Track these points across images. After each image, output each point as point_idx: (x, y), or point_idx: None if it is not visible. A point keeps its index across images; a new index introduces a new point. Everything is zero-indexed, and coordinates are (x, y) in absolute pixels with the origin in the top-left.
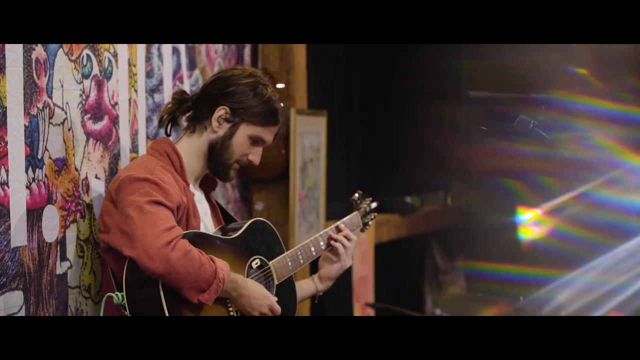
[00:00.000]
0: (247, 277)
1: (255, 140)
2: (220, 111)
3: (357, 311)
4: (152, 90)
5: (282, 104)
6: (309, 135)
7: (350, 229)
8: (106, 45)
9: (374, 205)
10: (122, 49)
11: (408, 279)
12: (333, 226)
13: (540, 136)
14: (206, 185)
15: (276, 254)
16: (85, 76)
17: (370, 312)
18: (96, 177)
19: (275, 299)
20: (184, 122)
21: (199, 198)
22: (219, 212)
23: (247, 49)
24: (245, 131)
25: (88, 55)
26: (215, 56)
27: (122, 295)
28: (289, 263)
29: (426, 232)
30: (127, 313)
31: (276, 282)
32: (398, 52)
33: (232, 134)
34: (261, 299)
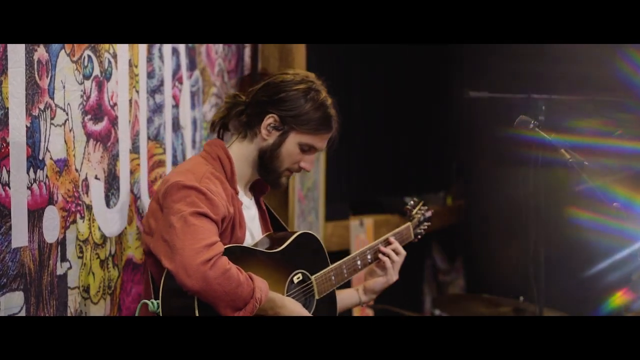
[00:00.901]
0: (287, 292)
1: (306, 149)
2: (269, 119)
3: (356, 312)
4: (153, 91)
5: (335, 110)
6: None
7: (400, 241)
8: (106, 46)
9: (428, 214)
10: (122, 49)
11: (407, 280)
12: (383, 238)
13: (540, 137)
14: (257, 189)
15: (320, 268)
16: (87, 77)
17: (370, 313)
18: (96, 177)
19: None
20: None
21: (248, 204)
22: (267, 217)
23: (247, 50)
24: (294, 139)
25: (89, 56)
26: (215, 56)
27: (158, 304)
28: (332, 277)
29: (426, 232)
30: None
31: (317, 297)
32: (399, 52)
33: (282, 143)
34: (297, 315)
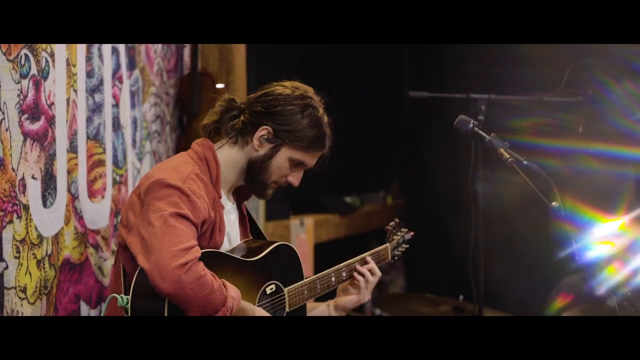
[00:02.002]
0: (259, 302)
1: (296, 164)
2: (263, 131)
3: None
4: (93, 90)
5: (330, 129)
6: None
7: (377, 261)
8: (44, 45)
9: (408, 236)
10: (59, 49)
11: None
12: (359, 258)
13: (479, 136)
14: (240, 194)
15: (294, 280)
16: (24, 76)
17: None
18: (33, 177)
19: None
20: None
21: (230, 208)
22: (247, 223)
23: (187, 49)
24: (286, 154)
25: (26, 55)
26: (154, 56)
27: (127, 299)
28: (305, 292)
29: (365, 231)
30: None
31: (287, 310)
32: (338, 52)
33: (273, 156)
34: None
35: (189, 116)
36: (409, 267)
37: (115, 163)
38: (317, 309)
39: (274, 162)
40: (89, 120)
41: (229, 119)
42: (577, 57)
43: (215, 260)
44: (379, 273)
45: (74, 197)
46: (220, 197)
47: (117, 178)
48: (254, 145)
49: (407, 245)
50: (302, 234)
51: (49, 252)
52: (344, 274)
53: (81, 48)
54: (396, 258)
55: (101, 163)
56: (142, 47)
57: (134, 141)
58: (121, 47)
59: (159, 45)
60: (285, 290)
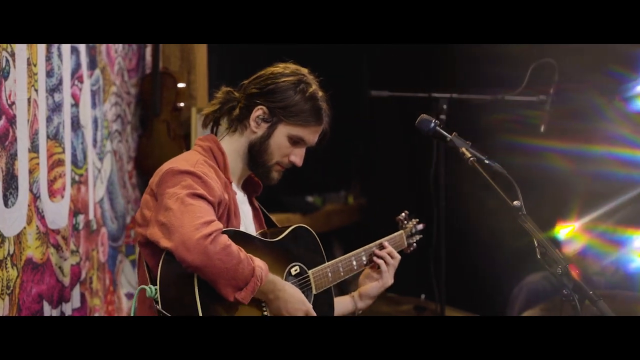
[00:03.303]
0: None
1: (295, 141)
2: (258, 111)
3: None
4: (52, 90)
5: (326, 103)
6: None
7: (394, 247)
8: (4, 45)
9: (420, 227)
10: (20, 48)
11: None
12: (377, 242)
13: (441, 136)
14: (250, 189)
15: (317, 263)
16: None
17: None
18: None
19: (311, 306)
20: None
21: (242, 199)
22: (262, 217)
23: (149, 49)
24: (283, 131)
25: None
26: (115, 55)
27: (156, 289)
28: (329, 274)
29: (327, 230)
30: (159, 307)
31: (314, 292)
32: (299, 51)
33: (271, 135)
34: (298, 303)
35: (150, 115)
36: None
37: (75, 163)
38: (342, 301)
39: (273, 142)
40: (49, 119)
41: (228, 110)
42: (540, 56)
43: (237, 238)
44: (398, 256)
45: (35, 197)
46: (231, 183)
47: (77, 178)
48: (252, 128)
49: (421, 235)
50: None
51: (11, 252)
52: (363, 258)
53: (41, 47)
54: (412, 248)
55: (61, 163)
56: (103, 47)
57: (94, 141)
58: (82, 47)
59: (120, 45)
60: (310, 272)
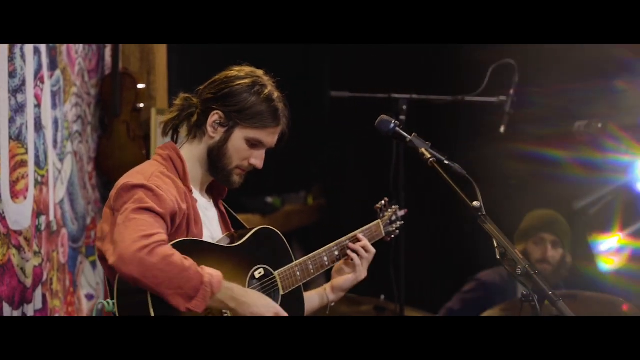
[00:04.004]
0: (248, 287)
1: (253, 144)
2: (214, 116)
3: None
4: (15, 91)
5: (283, 104)
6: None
7: (370, 238)
8: None
9: (401, 213)
10: None
11: None
12: (350, 235)
13: (401, 136)
14: (215, 193)
15: (283, 263)
16: None
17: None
18: None
19: (279, 307)
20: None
21: (206, 205)
22: (227, 219)
23: (108, 49)
24: (241, 135)
25: None
26: (75, 56)
27: (113, 303)
28: (297, 273)
29: (286, 231)
30: None
31: (281, 293)
32: (259, 51)
33: (228, 139)
34: (263, 307)
35: (110, 116)
36: (329, 267)
37: (37, 164)
38: (312, 294)
39: (231, 146)
40: (12, 120)
41: (187, 117)
42: (500, 57)
43: (191, 248)
44: (372, 250)
45: None
46: (191, 192)
47: (39, 179)
48: (210, 133)
49: (402, 222)
50: None
51: None
52: (336, 253)
53: (3, 48)
54: (392, 236)
55: (23, 164)
56: (63, 48)
57: (55, 142)
58: (42, 47)
59: (80, 46)
60: (276, 273)
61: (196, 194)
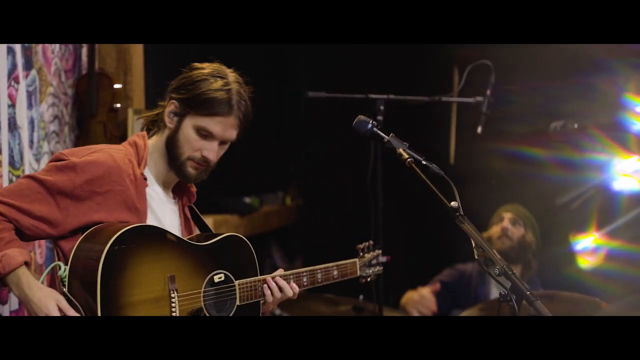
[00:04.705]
0: (204, 289)
1: (203, 134)
2: (171, 105)
3: None
4: None
5: (240, 97)
6: None
7: (342, 274)
8: None
9: (383, 259)
10: None
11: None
12: (322, 266)
13: (378, 137)
14: (185, 198)
15: (248, 274)
16: None
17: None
18: None
19: (62, 298)
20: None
21: (163, 199)
22: (193, 226)
23: (85, 49)
24: (190, 123)
25: None
26: (52, 56)
27: (65, 268)
28: (260, 288)
29: (265, 232)
30: (65, 290)
31: (237, 302)
32: (236, 51)
33: (179, 127)
34: (42, 308)
35: (86, 116)
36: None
37: (12, 164)
38: None
39: (182, 134)
40: None
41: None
42: (478, 56)
43: (155, 235)
44: (289, 292)
45: None
46: (144, 177)
47: (14, 179)
48: (167, 123)
49: (382, 268)
50: None
51: None
52: (304, 280)
53: None
54: (366, 280)
55: None
56: (39, 47)
57: (31, 142)
58: (17, 47)
59: (57, 46)
60: (236, 282)
61: (154, 186)
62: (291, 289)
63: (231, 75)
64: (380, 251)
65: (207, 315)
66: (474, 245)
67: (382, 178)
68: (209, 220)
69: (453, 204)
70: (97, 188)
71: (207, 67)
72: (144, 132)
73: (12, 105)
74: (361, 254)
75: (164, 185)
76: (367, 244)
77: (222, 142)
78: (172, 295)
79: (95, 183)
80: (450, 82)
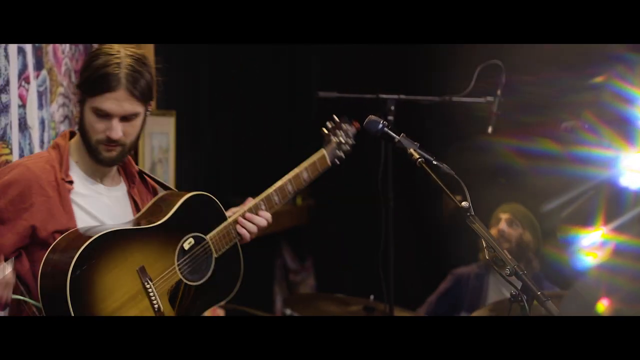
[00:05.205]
0: (178, 260)
1: (100, 114)
2: (77, 95)
3: (207, 312)
4: None
5: (131, 70)
6: (158, 136)
7: (313, 174)
8: None
9: (352, 130)
10: None
11: (258, 280)
12: (289, 176)
13: (389, 137)
14: (129, 181)
15: (217, 224)
16: None
17: (220, 313)
18: None
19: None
20: None
21: (104, 192)
22: (149, 195)
23: None
24: (88, 106)
25: None
26: (62, 56)
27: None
28: (232, 231)
29: (275, 232)
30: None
31: (215, 255)
32: (245, 52)
33: (83, 114)
34: None
35: None
36: (319, 267)
37: None
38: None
39: (86, 120)
40: None
41: None
42: (488, 57)
43: (116, 240)
44: (263, 223)
45: None
46: (67, 180)
47: None
48: (76, 114)
49: (353, 142)
50: None
51: None
52: (275, 199)
53: None
54: (341, 159)
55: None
56: (49, 48)
57: (42, 142)
58: (28, 47)
59: (67, 46)
60: (208, 237)
61: (86, 181)
62: (265, 219)
63: (123, 50)
64: (347, 123)
65: (188, 284)
66: (484, 245)
67: (393, 178)
68: None
69: (464, 204)
70: (21, 205)
71: (98, 48)
72: (66, 131)
73: (23, 106)
74: (326, 139)
75: (101, 177)
76: (330, 124)
77: (123, 119)
78: (147, 285)
79: (17, 201)
80: (461, 82)
